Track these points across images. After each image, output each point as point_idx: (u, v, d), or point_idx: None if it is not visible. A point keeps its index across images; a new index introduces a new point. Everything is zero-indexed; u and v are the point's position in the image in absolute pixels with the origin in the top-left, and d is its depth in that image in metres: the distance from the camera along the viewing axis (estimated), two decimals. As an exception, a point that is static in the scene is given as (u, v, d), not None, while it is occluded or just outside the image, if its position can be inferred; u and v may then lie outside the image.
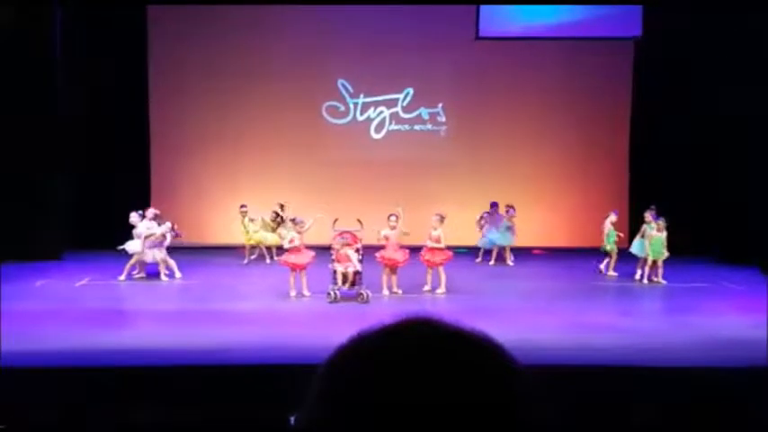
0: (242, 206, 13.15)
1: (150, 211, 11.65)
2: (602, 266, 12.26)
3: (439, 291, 10.51)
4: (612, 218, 12.25)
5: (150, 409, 5.19)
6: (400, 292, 10.50)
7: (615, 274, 12.08)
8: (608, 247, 12.11)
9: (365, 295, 9.99)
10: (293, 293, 10.29)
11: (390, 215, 10.72)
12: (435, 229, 10.62)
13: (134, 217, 11.43)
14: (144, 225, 11.41)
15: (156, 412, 5.05)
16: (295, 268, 10.31)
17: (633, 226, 12.75)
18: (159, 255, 11.47)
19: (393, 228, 10.61)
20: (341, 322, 8.61)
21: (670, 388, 5.94)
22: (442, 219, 10.66)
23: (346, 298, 10.01)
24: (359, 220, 10.79)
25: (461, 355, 0.88)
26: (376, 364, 0.86)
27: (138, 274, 11.55)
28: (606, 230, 12.16)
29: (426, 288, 10.61)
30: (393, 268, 10.53)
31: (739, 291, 10.77)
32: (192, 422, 4.87)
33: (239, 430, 5.17)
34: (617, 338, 8.01)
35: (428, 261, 10.59)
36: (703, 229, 13.28)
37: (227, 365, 6.66)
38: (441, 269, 10.55)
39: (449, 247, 10.72)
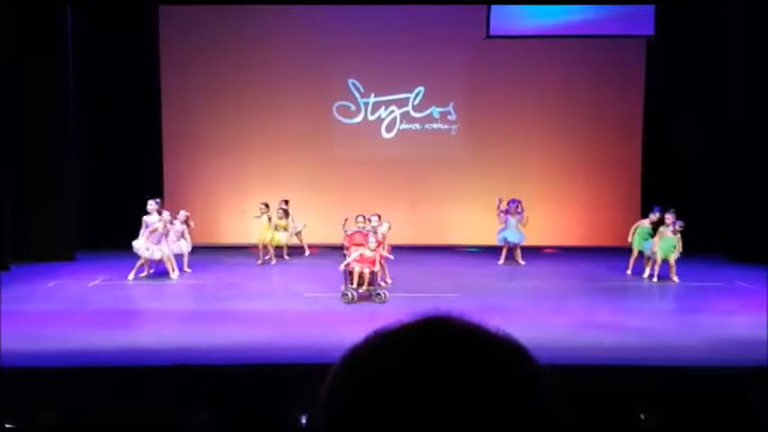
0: (284, 201, 13.26)
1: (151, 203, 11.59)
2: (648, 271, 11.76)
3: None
4: (653, 217, 11.99)
5: (160, 408, 5.21)
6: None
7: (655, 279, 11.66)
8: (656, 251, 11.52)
9: (383, 295, 9.94)
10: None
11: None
12: (378, 230, 10.71)
13: (152, 205, 11.47)
14: (153, 218, 11.43)
15: (167, 412, 5.07)
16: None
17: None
18: (166, 251, 11.44)
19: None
20: (353, 321, 8.62)
21: (680, 388, 5.91)
22: (379, 218, 10.92)
23: (362, 298, 9.95)
24: (369, 220, 10.79)
25: (484, 354, 0.87)
26: (394, 364, 0.85)
27: (143, 273, 11.55)
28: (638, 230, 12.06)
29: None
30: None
31: (753, 290, 10.69)
32: (203, 421, 4.89)
33: (250, 430, 5.18)
34: (626, 338, 7.99)
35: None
36: (715, 227, 13.20)
37: (237, 365, 6.68)
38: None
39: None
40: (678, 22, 13.43)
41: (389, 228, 10.83)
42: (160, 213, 11.50)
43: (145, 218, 11.40)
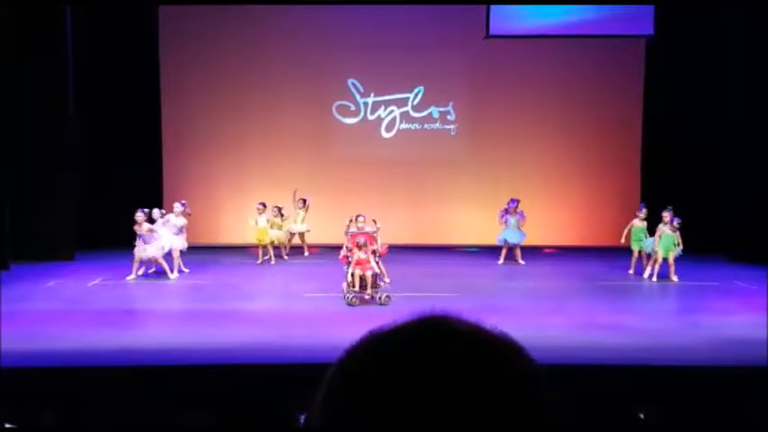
0: (301, 201, 13.49)
1: (155, 211, 11.78)
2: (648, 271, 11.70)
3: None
4: (640, 215, 12.02)
5: (160, 408, 5.21)
6: None
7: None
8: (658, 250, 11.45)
9: (387, 297, 9.83)
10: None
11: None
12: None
13: (178, 207, 11.97)
14: (179, 221, 11.80)
15: (167, 412, 5.07)
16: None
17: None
18: (157, 251, 11.35)
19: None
20: (353, 322, 8.61)
21: (679, 388, 5.91)
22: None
23: (366, 301, 9.87)
24: (374, 221, 10.75)
25: (481, 353, 0.87)
26: (390, 364, 0.85)
27: (140, 271, 11.52)
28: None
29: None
30: None
31: (752, 290, 10.68)
32: (203, 421, 4.89)
33: (249, 430, 5.18)
34: (626, 338, 7.99)
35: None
36: (714, 227, 13.19)
37: (237, 365, 6.67)
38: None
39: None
40: (678, 22, 13.43)
41: (364, 221, 10.59)
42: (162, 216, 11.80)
43: (170, 216, 11.72)
